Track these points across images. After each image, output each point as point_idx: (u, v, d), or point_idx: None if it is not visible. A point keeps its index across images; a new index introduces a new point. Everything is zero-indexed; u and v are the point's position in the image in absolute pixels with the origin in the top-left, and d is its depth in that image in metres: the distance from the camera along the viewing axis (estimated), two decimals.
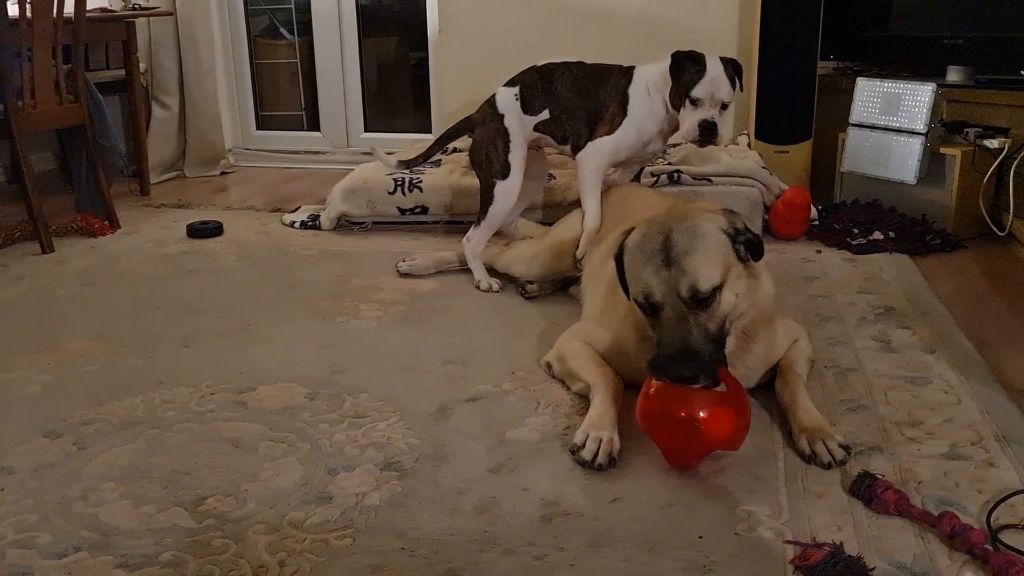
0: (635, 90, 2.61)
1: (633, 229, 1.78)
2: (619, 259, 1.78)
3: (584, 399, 1.89)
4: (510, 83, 2.78)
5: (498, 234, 2.86)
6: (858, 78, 3.42)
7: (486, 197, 2.74)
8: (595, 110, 2.66)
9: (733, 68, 2.55)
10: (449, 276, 2.86)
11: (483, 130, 2.76)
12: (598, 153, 2.62)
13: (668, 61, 2.55)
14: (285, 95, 5.03)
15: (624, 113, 2.61)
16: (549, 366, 2.08)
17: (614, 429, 1.71)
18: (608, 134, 2.62)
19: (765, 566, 1.37)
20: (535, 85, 2.73)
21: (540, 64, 2.78)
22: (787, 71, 3.60)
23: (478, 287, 2.72)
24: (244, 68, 4.95)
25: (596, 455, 1.65)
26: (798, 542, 1.41)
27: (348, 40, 4.80)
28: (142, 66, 4.32)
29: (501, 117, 2.73)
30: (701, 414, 1.57)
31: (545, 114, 2.71)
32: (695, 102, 2.50)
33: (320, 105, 4.91)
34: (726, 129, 2.72)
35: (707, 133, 2.51)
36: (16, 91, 3.09)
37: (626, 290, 1.78)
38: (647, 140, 2.65)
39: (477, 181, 2.83)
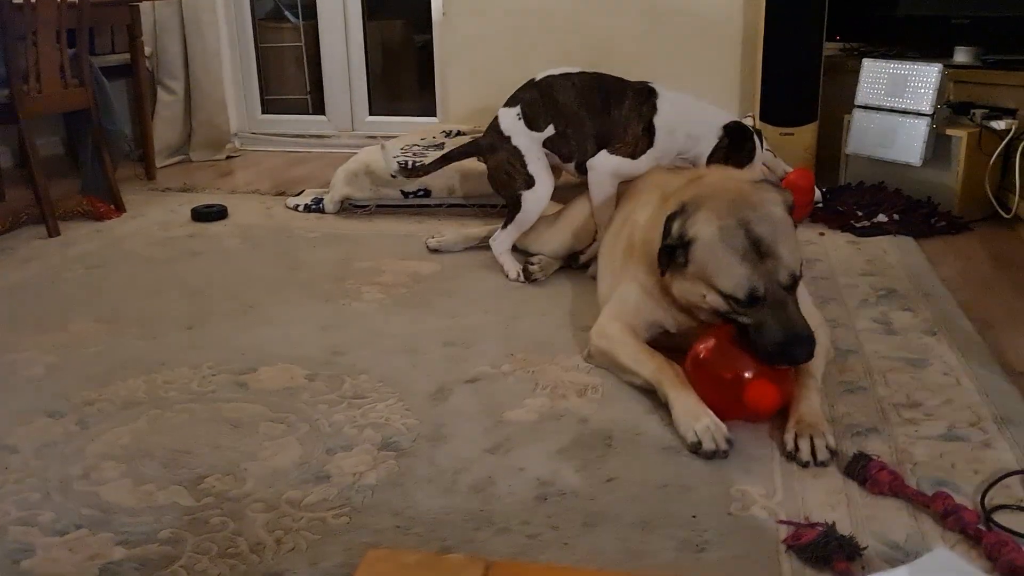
0: (661, 123, 2.54)
1: (685, 207, 1.80)
2: (670, 247, 1.80)
3: (589, 383, 1.91)
4: (510, 103, 2.69)
5: None
6: (864, 59, 3.40)
7: (513, 206, 2.68)
8: (608, 127, 2.59)
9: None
10: (451, 258, 2.86)
11: (495, 158, 2.70)
12: (614, 169, 2.56)
13: (693, 102, 2.60)
14: (290, 79, 5.03)
15: (651, 144, 2.55)
16: (590, 355, 2.04)
17: (708, 411, 1.68)
18: (631, 156, 2.55)
19: (757, 545, 1.38)
20: (536, 102, 2.64)
21: (539, 78, 2.69)
22: (792, 52, 3.56)
23: (507, 277, 2.67)
24: (249, 52, 4.93)
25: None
26: (791, 522, 1.42)
27: (353, 23, 4.78)
28: (147, 50, 4.31)
29: (508, 138, 2.65)
30: (750, 377, 1.66)
31: (550, 130, 2.63)
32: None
33: (325, 89, 4.90)
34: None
35: None
36: (21, 75, 3.10)
37: (664, 266, 1.83)
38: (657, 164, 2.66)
39: (480, 164, 2.82)
